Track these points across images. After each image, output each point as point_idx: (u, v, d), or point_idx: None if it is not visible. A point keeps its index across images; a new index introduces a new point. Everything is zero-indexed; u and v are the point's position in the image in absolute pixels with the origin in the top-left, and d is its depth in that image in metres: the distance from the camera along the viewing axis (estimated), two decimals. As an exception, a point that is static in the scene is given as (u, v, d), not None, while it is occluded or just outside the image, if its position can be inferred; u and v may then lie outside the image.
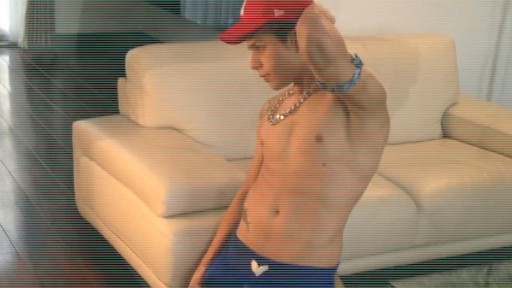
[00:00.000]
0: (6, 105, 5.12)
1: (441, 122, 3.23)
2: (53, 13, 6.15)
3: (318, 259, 1.75)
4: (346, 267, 2.03)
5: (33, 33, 6.15)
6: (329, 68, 1.46)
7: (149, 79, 2.60)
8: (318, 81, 1.55)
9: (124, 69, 2.73)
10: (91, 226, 2.79)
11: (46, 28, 6.16)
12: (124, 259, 2.54)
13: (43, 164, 3.85)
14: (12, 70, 6.06)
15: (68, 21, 6.63)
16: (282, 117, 1.79)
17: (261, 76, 1.78)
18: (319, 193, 1.70)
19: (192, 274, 2.03)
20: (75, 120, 2.84)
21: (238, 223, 1.90)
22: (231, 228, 1.96)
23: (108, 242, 2.66)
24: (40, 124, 4.59)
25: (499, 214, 2.76)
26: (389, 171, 2.66)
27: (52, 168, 3.79)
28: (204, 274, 1.97)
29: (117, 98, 2.83)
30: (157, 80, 2.62)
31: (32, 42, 6.16)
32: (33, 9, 6.09)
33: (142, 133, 2.61)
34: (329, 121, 1.67)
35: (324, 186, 1.69)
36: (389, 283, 2.51)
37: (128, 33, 6.84)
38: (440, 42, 3.24)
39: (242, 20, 1.71)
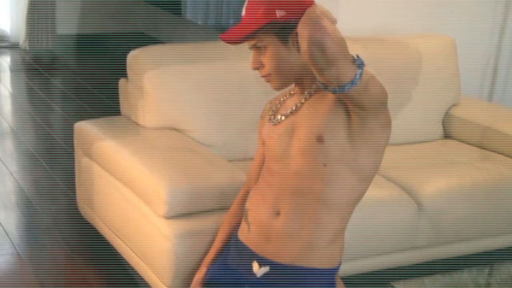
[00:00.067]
0: (7, 106, 5.12)
1: (442, 123, 3.23)
2: (54, 14, 6.16)
3: (319, 260, 1.75)
4: (347, 268, 2.03)
5: (34, 34, 6.15)
6: (330, 69, 1.46)
7: (150, 80, 2.60)
8: (319, 82, 1.55)
9: (125, 69, 2.73)
10: (92, 226, 2.79)
11: (47, 29, 6.16)
12: (124, 260, 2.54)
13: (44, 165, 3.85)
14: (13, 71, 6.06)
15: (69, 22, 6.64)
16: (283, 117, 1.79)
17: (262, 77, 1.78)
18: (320, 194, 1.70)
19: (193, 275, 2.02)
20: (76, 121, 2.84)
21: (239, 224, 1.90)
22: (232, 229, 1.96)
23: (108, 243, 2.66)
24: (41, 125, 4.60)
25: (500, 215, 2.76)
26: (390, 171, 2.65)
27: (53, 169, 3.79)
28: (206, 275, 1.97)
29: (118, 98, 2.83)
30: (158, 80, 2.62)
31: (33, 43, 6.17)
32: (34, 10, 6.09)
33: (143, 134, 2.61)
34: (330, 122, 1.67)
35: (325, 187, 1.69)
36: (390, 284, 2.51)
37: (129, 33, 6.84)
38: (441, 43, 3.24)
39: (243, 21, 1.71)
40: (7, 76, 5.93)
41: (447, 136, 3.23)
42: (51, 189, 3.54)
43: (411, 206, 2.55)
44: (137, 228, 2.33)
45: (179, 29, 6.51)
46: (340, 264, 1.82)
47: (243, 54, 1.96)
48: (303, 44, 1.46)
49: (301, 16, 1.47)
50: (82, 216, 2.87)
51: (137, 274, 2.45)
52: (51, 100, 5.25)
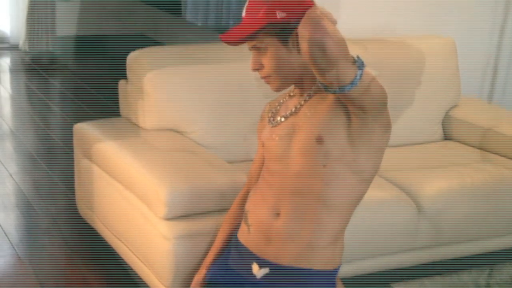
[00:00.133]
0: (7, 107, 5.12)
1: (442, 124, 3.23)
2: (54, 16, 6.16)
3: (319, 261, 1.75)
4: (347, 269, 2.02)
5: (34, 35, 6.15)
6: (331, 70, 1.46)
7: (150, 81, 2.60)
8: (319, 83, 1.55)
9: (125, 71, 2.73)
10: (91, 228, 2.79)
11: (47, 30, 6.16)
12: (123, 261, 2.54)
13: (44, 167, 3.85)
14: (13, 72, 6.06)
15: (69, 23, 6.64)
16: (283, 119, 1.79)
17: (262, 78, 1.77)
18: (320, 195, 1.70)
19: (193, 276, 2.02)
20: (76, 122, 2.84)
21: (239, 225, 1.90)
22: (232, 230, 1.96)
23: (107, 244, 2.65)
24: (41, 127, 4.60)
25: (500, 216, 2.76)
26: (390, 173, 2.65)
27: (52, 170, 3.79)
28: (205, 276, 1.97)
29: (117, 100, 2.83)
30: (158, 82, 2.62)
31: (33, 45, 6.17)
32: (34, 11, 6.09)
33: (143, 135, 2.61)
34: (330, 123, 1.67)
35: (325, 188, 1.69)
36: (391, 286, 2.50)
37: (129, 35, 6.85)
38: (441, 43, 3.24)
39: (244, 22, 1.71)
40: (7, 77, 5.93)
41: (447, 137, 3.23)
42: (50, 190, 3.53)
43: (411, 207, 2.55)
44: (137, 229, 2.33)
45: (179, 30, 6.51)
46: (340, 266, 1.82)
47: (243, 55, 1.96)
48: (304, 44, 1.45)
49: (302, 17, 1.47)
50: (81, 217, 2.87)
51: (137, 275, 2.44)
52: (50, 102, 5.25)
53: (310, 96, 1.75)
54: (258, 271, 1.78)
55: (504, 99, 3.83)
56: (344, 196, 1.72)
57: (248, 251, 1.81)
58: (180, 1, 6.34)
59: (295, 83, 1.79)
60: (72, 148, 2.85)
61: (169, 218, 2.16)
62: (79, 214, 2.89)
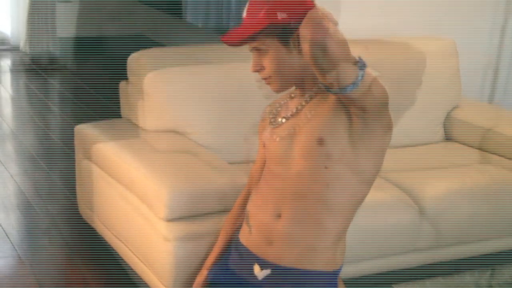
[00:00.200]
0: (8, 109, 5.13)
1: (443, 125, 3.23)
2: (54, 17, 6.16)
3: (321, 263, 1.75)
4: (348, 271, 2.02)
5: (34, 36, 6.16)
6: (332, 71, 1.46)
7: (151, 82, 2.60)
8: (321, 83, 1.55)
9: (126, 72, 2.73)
10: (92, 229, 2.79)
11: (48, 31, 6.16)
12: (123, 262, 2.54)
13: (45, 168, 3.85)
14: (14, 73, 6.07)
15: (69, 24, 6.65)
16: (284, 120, 1.79)
17: (263, 79, 1.77)
18: (321, 196, 1.70)
19: (194, 277, 2.02)
20: (77, 123, 2.84)
21: (241, 226, 1.90)
22: (233, 231, 1.95)
23: (108, 245, 2.65)
24: (42, 128, 4.60)
25: (501, 217, 2.76)
26: (391, 174, 2.65)
27: (54, 172, 3.79)
28: (207, 277, 1.96)
29: (118, 101, 2.83)
30: (159, 83, 2.62)
31: (34, 46, 6.17)
32: (35, 13, 6.09)
33: (144, 136, 2.61)
34: (331, 124, 1.67)
35: (327, 189, 1.69)
36: (392, 287, 2.50)
37: (130, 36, 6.85)
38: (442, 45, 3.24)
39: (244, 23, 1.70)
40: (7, 78, 5.94)
41: (448, 138, 3.23)
42: (51, 191, 3.53)
43: (412, 209, 2.55)
44: (138, 230, 2.33)
45: (180, 31, 6.52)
46: (341, 267, 1.82)
47: (244, 56, 1.96)
48: (305, 45, 1.45)
49: (302, 18, 1.47)
50: (81, 218, 2.87)
51: (136, 275, 2.44)
52: (51, 103, 5.25)
53: (311, 97, 1.75)
54: (259, 272, 1.78)
55: (505, 100, 3.83)
56: (345, 197, 1.72)
57: (249, 252, 1.81)
58: (181, 2, 6.35)
59: (296, 84, 1.78)
60: (73, 149, 2.85)
61: (170, 219, 2.16)
62: (79, 214, 2.89)
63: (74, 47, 6.70)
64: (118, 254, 2.58)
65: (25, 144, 4.25)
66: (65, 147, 4.10)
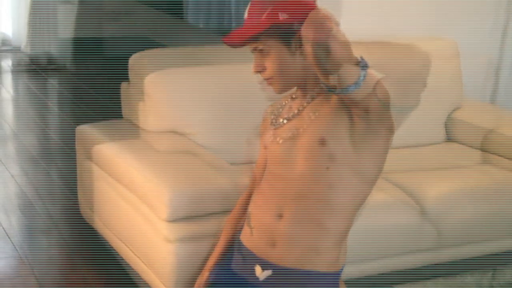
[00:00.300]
0: (9, 110, 5.14)
1: (445, 126, 3.22)
2: (56, 18, 6.17)
3: (323, 263, 1.75)
4: (350, 271, 2.02)
5: (35, 37, 6.16)
6: (335, 71, 1.46)
7: (152, 83, 2.60)
8: (323, 84, 1.55)
9: (127, 73, 2.73)
10: (92, 229, 2.79)
11: (49, 32, 6.17)
12: (124, 262, 2.54)
13: (46, 168, 3.85)
14: (15, 74, 6.07)
15: (71, 25, 6.65)
16: (285, 121, 1.79)
17: (264, 80, 1.77)
18: (323, 197, 1.69)
19: (196, 278, 2.02)
20: (78, 124, 2.84)
21: (242, 227, 1.89)
22: (235, 232, 1.95)
23: (109, 246, 2.65)
24: (43, 128, 4.60)
25: (503, 218, 2.75)
26: (393, 175, 2.65)
27: (55, 172, 3.79)
28: (208, 278, 1.96)
29: (119, 102, 2.83)
30: (160, 84, 2.62)
31: (35, 47, 6.18)
32: (36, 14, 6.10)
33: (145, 137, 2.61)
34: (333, 125, 1.67)
35: (328, 190, 1.69)
36: (393, 287, 2.50)
37: (131, 37, 6.85)
38: (443, 46, 3.23)
39: (246, 24, 1.70)
40: (8, 79, 5.94)
41: (449, 139, 3.23)
42: (53, 192, 3.54)
43: (413, 209, 2.54)
44: (139, 231, 2.33)
45: (181, 32, 6.52)
46: (343, 268, 1.82)
47: (246, 57, 1.96)
48: (308, 46, 1.45)
49: (304, 19, 1.47)
50: (82, 218, 2.87)
51: (137, 276, 2.44)
52: (52, 103, 5.26)
53: (312, 98, 1.74)
54: (261, 274, 1.78)
55: (507, 101, 3.82)
56: (347, 198, 1.71)
57: (251, 253, 1.81)
58: (182, 3, 6.35)
59: (297, 85, 1.78)
60: (74, 149, 2.86)
61: (171, 220, 2.16)
62: (80, 215, 2.89)
63: (75, 48, 6.70)
64: (118, 255, 2.58)
65: (26, 145, 4.26)
66: (66, 148, 4.10)
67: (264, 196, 1.81)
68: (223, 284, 1.89)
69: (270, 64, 1.72)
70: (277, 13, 1.64)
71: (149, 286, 2.34)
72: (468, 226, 2.66)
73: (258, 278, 1.78)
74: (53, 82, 5.84)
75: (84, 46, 6.68)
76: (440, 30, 3.41)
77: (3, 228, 3.10)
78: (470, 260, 2.75)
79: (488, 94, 3.86)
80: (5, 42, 6.58)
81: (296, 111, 1.77)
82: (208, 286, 1.95)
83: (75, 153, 2.85)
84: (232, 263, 1.88)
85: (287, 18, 1.63)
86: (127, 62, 2.73)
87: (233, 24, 6.01)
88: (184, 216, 2.17)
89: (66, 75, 6.08)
